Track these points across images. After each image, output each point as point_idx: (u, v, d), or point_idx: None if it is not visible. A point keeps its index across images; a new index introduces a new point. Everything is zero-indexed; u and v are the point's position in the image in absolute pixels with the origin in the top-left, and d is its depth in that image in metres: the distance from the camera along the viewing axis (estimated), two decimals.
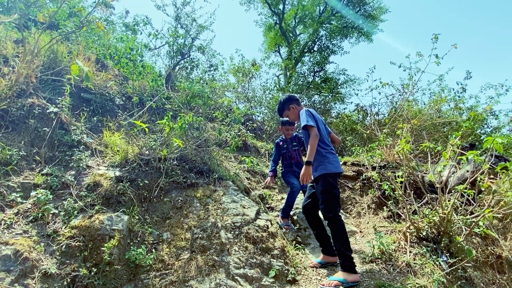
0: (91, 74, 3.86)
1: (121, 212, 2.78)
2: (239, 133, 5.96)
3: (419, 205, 3.87)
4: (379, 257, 3.06)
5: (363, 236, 3.90)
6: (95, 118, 4.03)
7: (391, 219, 4.02)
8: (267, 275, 2.76)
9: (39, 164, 3.03)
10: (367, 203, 4.47)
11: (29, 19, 5.03)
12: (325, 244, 3.01)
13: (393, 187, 3.65)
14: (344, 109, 12.50)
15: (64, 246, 2.37)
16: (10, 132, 3.12)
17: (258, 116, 10.05)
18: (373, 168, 4.75)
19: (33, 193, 2.57)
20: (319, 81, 13.28)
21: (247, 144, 5.88)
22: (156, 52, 6.01)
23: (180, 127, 3.27)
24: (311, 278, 2.92)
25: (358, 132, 7.13)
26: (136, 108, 4.75)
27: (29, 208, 2.55)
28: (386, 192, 3.79)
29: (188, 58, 5.83)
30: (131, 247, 2.62)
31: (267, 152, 6.11)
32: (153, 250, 2.72)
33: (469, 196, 3.26)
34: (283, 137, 4.18)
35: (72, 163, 3.18)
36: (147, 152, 3.51)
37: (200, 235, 2.94)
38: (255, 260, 2.83)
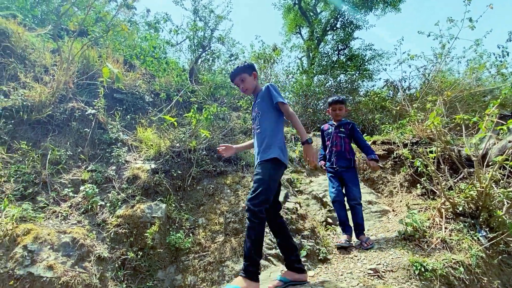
0: (120, 75, 4.10)
1: (159, 201, 3.01)
2: None
3: (455, 180, 3.71)
4: (413, 234, 3.02)
5: (396, 214, 3.84)
6: (128, 116, 4.31)
7: (425, 197, 3.90)
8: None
9: (84, 162, 3.35)
10: (399, 181, 4.36)
11: (62, 29, 5.40)
12: (290, 256, 2.22)
13: (425, 163, 3.52)
14: (373, 86, 11.96)
15: (112, 233, 2.65)
16: (56, 135, 3.46)
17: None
18: (405, 146, 4.59)
19: (82, 188, 2.88)
20: (344, 60, 12.79)
21: None
22: (178, 47, 6.18)
23: (206, 118, 3.40)
24: (343, 257, 2.97)
25: (388, 109, 6.85)
26: (164, 104, 4.98)
27: (80, 201, 2.86)
28: (419, 169, 3.67)
29: (209, 50, 5.93)
30: (171, 232, 2.85)
31: (293, 136, 6.11)
32: (190, 235, 2.93)
33: (511, 168, 3.07)
34: (332, 122, 3.48)
35: (112, 159, 3.46)
36: (177, 144, 3.71)
37: (232, 219, 3.10)
38: None
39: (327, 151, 3.42)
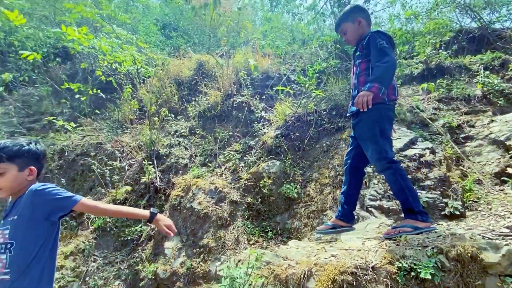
0: (258, 65, 5.00)
1: (275, 159, 3.52)
2: (433, 51, 4.65)
3: None
4: None
5: None
6: (264, 97, 5.08)
7: None
8: None
9: (239, 138, 4.49)
10: None
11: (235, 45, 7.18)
12: None
13: None
14: None
15: (243, 185, 3.49)
16: (225, 122, 4.87)
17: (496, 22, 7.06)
18: None
19: (226, 154, 3.97)
20: None
21: (443, 67, 4.52)
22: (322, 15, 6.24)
23: (311, 77, 3.47)
24: (487, 215, 2.04)
25: None
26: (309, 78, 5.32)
27: (231, 165, 3.95)
28: None
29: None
30: (284, 185, 3.27)
31: (481, 66, 4.33)
32: (301, 187, 3.19)
33: None
34: None
35: (255, 133, 4.37)
36: (299, 110, 4.00)
37: (340, 172, 3.01)
38: None
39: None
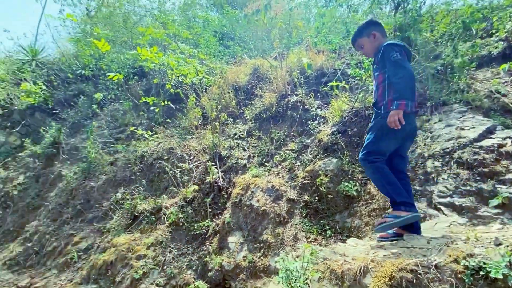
0: (311, 63, 4.98)
1: (331, 157, 3.46)
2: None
3: None
4: None
5: None
6: (317, 94, 4.98)
7: None
8: (486, 204, 2.07)
9: (294, 137, 4.54)
10: None
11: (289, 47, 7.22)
12: None
13: None
14: None
15: (300, 183, 3.52)
16: (280, 123, 4.96)
17: None
18: None
19: (282, 153, 4.04)
20: None
21: None
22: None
23: (367, 69, 3.34)
24: None
25: None
26: (365, 70, 5.07)
27: (287, 164, 4.03)
28: None
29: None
30: (342, 182, 3.20)
31: None
32: (360, 184, 3.09)
33: None
34: None
35: (310, 131, 4.36)
36: (357, 105, 3.86)
37: None
38: (468, 187, 2.24)
39: None
